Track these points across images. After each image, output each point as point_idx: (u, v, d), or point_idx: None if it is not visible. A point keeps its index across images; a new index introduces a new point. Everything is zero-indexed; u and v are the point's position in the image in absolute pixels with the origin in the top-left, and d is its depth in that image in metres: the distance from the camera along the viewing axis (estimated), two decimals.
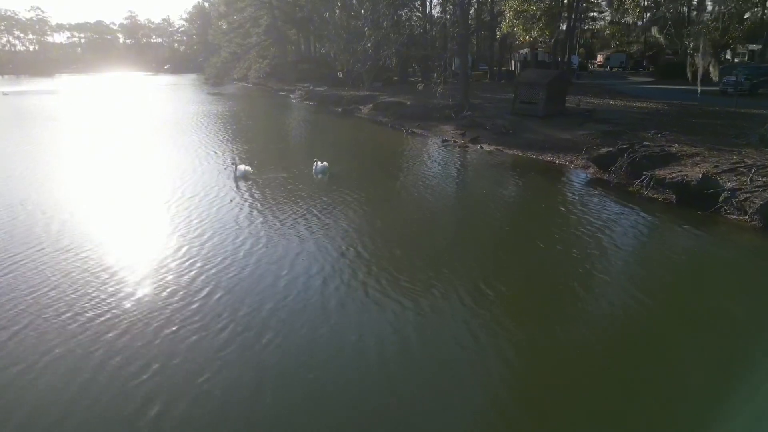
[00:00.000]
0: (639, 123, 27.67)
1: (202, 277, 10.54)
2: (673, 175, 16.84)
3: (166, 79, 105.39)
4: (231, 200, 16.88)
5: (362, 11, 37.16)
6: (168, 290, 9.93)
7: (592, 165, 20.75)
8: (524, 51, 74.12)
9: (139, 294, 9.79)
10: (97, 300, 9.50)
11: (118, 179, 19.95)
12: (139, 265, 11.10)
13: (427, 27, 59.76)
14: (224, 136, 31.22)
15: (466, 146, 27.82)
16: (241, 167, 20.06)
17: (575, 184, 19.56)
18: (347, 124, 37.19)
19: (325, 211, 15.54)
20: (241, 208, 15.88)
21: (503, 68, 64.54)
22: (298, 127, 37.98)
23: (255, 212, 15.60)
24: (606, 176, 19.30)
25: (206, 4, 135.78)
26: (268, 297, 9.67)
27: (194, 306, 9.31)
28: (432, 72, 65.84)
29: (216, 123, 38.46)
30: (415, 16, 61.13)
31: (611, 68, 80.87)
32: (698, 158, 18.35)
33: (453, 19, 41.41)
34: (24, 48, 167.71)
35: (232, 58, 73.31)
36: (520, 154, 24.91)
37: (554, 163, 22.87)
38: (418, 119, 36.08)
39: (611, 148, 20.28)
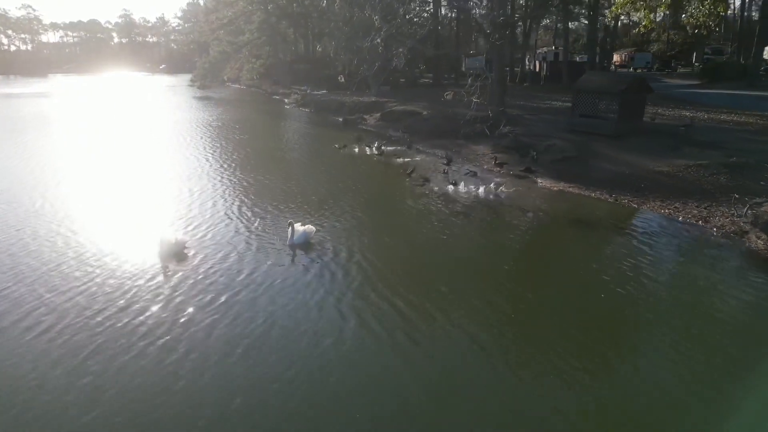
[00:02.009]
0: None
1: None
2: None
3: (159, 81, 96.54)
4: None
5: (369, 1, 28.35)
6: None
7: (758, 233, 12.34)
8: (543, 50, 65.68)
9: None
10: None
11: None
12: None
13: (435, 23, 51.19)
14: (177, 166, 22.87)
15: (517, 178, 19.46)
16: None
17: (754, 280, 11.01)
18: (349, 141, 28.76)
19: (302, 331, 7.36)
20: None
21: (527, 69, 55.96)
22: (287, 146, 29.31)
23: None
24: None
25: (201, 2, 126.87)
26: None
27: None
28: (445, 73, 57.34)
29: (184, 141, 30.10)
30: (425, 11, 52.66)
31: (635, 69, 72.27)
32: None
33: (478, 11, 32.71)
34: (15, 47, 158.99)
35: (221, 57, 64.62)
36: (610, 199, 16.43)
37: (678, 220, 14.40)
38: (441, 136, 27.63)
39: None
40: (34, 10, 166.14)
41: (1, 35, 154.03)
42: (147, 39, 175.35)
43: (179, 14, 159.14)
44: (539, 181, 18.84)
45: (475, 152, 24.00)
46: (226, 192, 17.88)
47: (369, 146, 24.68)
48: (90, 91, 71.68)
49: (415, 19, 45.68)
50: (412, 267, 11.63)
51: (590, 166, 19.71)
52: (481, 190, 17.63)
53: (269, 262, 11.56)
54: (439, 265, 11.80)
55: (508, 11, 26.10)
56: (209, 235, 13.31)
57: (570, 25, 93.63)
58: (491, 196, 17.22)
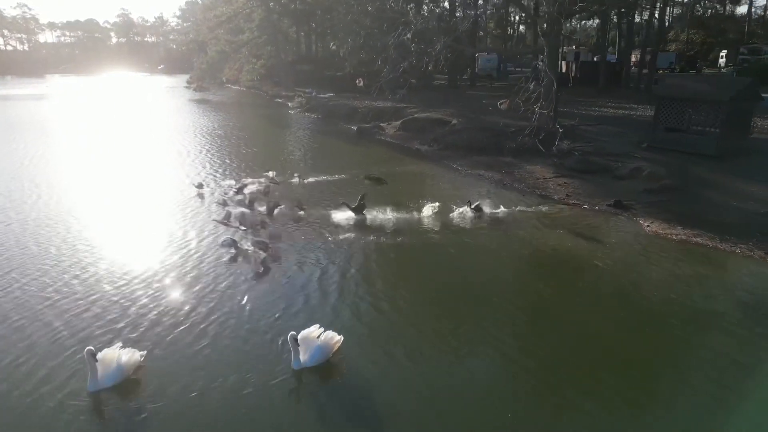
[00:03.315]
0: None
1: None
2: None
3: (157, 81, 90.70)
4: None
5: None
6: None
7: None
8: (569, 49, 60.43)
9: None
10: None
11: None
12: None
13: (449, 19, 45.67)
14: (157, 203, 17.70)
15: (604, 215, 14.30)
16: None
17: None
18: (368, 159, 23.45)
19: None
20: None
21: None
22: (289, 166, 24.07)
23: None
24: None
25: (200, 0, 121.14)
26: None
27: None
28: (458, 74, 51.96)
29: (165, 157, 24.93)
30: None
31: (658, 69, 66.88)
32: None
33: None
34: (12, 47, 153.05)
35: (220, 57, 59.24)
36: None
37: None
38: (481, 151, 22.44)
39: None
40: (29, 9, 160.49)
41: None
42: (145, 39, 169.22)
43: (178, 13, 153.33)
44: (643, 223, 13.60)
45: (532, 174, 18.78)
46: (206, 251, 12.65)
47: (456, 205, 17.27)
48: (88, 94, 66.02)
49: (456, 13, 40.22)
50: None
51: (704, 200, 14.53)
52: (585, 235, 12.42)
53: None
54: None
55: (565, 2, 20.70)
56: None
57: (589, 22, 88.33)
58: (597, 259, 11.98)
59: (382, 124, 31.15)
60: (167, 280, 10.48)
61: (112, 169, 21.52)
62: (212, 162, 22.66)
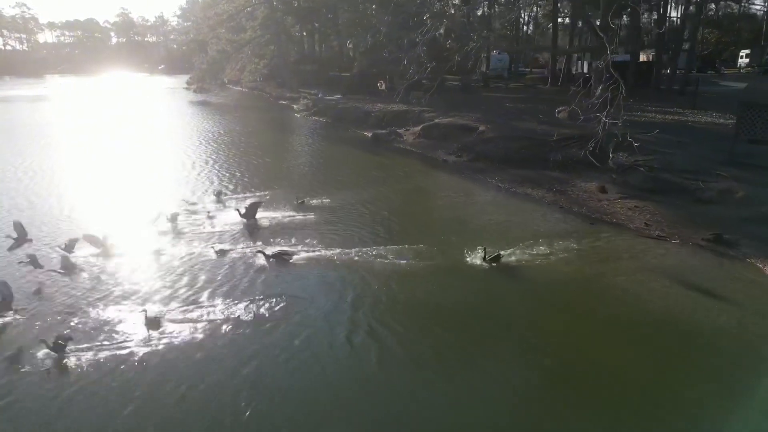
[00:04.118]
0: None
1: None
2: None
3: (157, 82, 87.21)
4: None
5: None
6: None
7: None
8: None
9: None
10: None
11: None
12: None
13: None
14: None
15: (698, 250, 11.26)
16: None
17: None
18: (390, 174, 20.30)
19: None
20: None
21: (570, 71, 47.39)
22: (296, 182, 20.89)
23: None
24: None
25: None
26: None
27: None
28: (469, 75, 48.64)
29: (151, 172, 21.95)
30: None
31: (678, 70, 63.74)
32: None
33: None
34: (11, 47, 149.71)
35: (221, 57, 56.00)
36: None
37: None
38: (521, 164, 19.37)
39: None
40: (29, 8, 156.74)
41: None
42: (146, 39, 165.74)
43: (178, 12, 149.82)
44: (762, 267, 10.52)
45: (591, 195, 15.69)
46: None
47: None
48: (86, 95, 62.76)
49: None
50: None
51: None
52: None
53: None
54: None
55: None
56: None
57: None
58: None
59: (399, 130, 28.00)
60: None
61: (94, 181, 18.42)
62: (203, 179, 19.53)
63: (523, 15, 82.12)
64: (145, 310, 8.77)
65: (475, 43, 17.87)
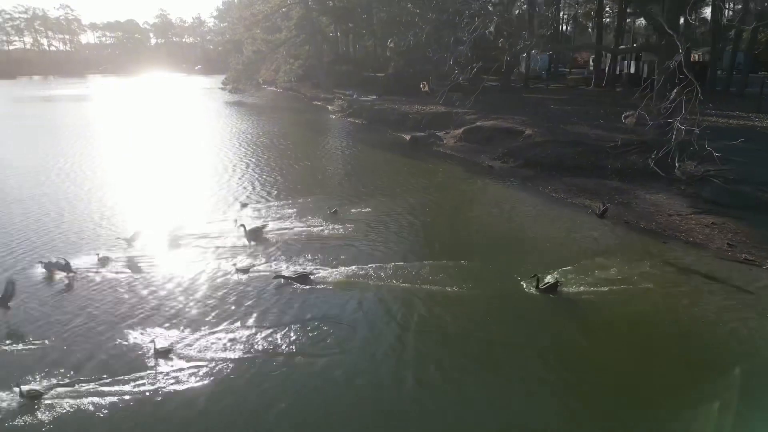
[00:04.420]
0: None
1: None
2: None
3: (194, 82, 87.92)
4: None
5: None
6: None
7: None
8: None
9: None
10: None
11: None
12: None
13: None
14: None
15: None
16: None
17: None
18: (431, 181, 19.08)
19: None
20: None
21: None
22: (331, 190, 19.79)
23: None
24: None
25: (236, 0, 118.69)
26: None
27: None
28: (508, 75, 47.00)
29: (186, 177, 21.34)
30: None
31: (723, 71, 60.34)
32: None
33: None
34: (54, 48, 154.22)
35: (256, 57, 55.70)
36: None
37: None
38: (575, 171, 17.95)
39: None
40: (72, 10, 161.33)
41: (41, 36, 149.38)
42: (183, 39, 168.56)
43: (215, 13, 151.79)
44: None
45: (659, 208, 14.18)
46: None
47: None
48: (127, 95, 63.66)
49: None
50: None
51: None
52: None
53: None
54: None
55: None
56: None
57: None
58: None
59: (438, 133, 26.76)
60: None
61: (125, 187, 17.84)
62: (234, 184, 18.73)
63: (562, 14, 79.81)
64: (153, 341, 7.84)
65: (527, 42, 16.48)
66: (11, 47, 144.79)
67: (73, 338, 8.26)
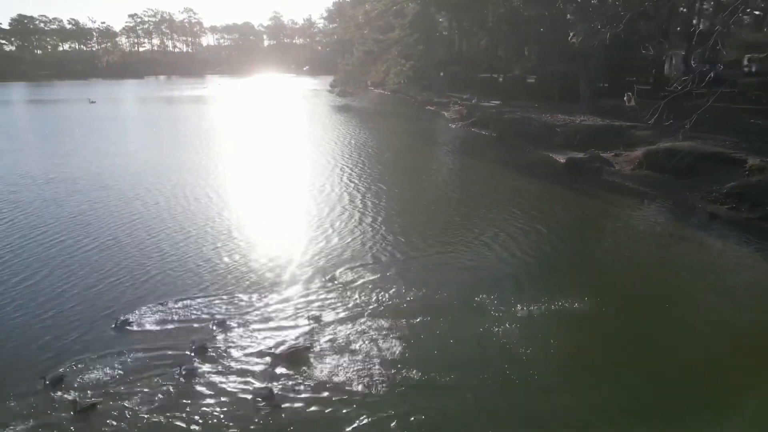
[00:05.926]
0: None
1: None
2: None
3: (302, 83, 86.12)
4: None
5: None
6: None
7: None
8: None
9: None
10: None
11: None
12: None
13: None
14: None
15: None
16: None
17: None
18: (617, 240, 12.80)
19: None
20: None
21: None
22: (462, 255, 13.79)
23: None
24: None
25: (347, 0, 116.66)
26: None
27: None
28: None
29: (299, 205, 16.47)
30: None
31: None
32: None
33: None
34: (178, 50, 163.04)
35: (366, 58, 51.50)
36: None
37: None
38: None
39: None
40: (195, 13, 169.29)
41: (167, 38, 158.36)
42: (294, 41, 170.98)
43: (324, 14, 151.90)
44: None
45: None
46: None
47: None
48: (240, 98, 62.32)
49: None
50: None
51: None
52: None
53: None
54: None
55: None
56: None
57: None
58: None
59: (604, 155, 20.14)
60: None
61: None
62: (330, 232, 13.57)
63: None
64: None
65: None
66: (141, 48, 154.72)
67: None
